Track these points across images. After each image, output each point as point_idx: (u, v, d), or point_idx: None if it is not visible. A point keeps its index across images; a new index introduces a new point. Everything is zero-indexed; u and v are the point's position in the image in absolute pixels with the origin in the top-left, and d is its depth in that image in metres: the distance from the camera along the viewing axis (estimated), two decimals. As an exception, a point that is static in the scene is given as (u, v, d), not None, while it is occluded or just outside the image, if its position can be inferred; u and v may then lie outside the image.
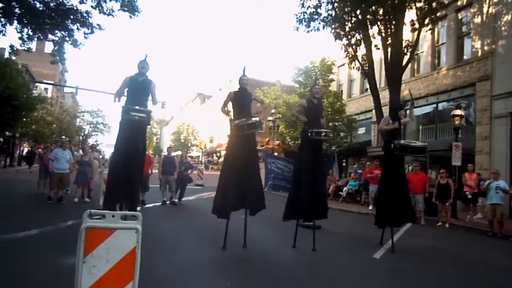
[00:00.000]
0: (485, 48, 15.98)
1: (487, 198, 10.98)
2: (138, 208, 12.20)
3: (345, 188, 17.48)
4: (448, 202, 11.81)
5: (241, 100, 6.77)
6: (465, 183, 12.74)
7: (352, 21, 16.66)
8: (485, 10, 16.19)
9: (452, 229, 11.51)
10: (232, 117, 6.75)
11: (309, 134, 6.96)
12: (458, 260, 7.44)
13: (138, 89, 6.25)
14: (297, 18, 17.04)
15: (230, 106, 6.94)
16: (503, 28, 15.38)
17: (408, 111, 8.25)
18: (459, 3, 17.70)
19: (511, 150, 14.38)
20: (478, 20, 16.63)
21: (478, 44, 16.47)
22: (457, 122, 13.98)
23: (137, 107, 5.92)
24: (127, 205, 6.19)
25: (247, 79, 6.92)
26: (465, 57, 17.50)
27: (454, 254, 8.07)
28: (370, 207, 14.68)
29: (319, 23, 17.13)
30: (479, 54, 16.27)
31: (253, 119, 6.52)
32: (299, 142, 9.41)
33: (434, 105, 18.67)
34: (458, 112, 14.07)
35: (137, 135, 6.16)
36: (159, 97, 6.73)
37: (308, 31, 17.22)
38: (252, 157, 6.93)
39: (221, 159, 47.30)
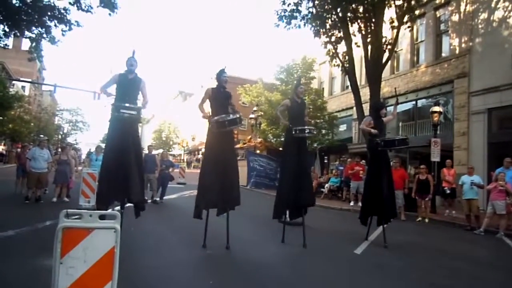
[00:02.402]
0: (463, 45, 16.27)
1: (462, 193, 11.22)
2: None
3: (327, 185, 17.60)
4: (427, 198, 12.03)
5: (219, 98, 6.69)
6: (444, 178, 12.95)
7: (333, 19, 16.77)
8: (462, 8, 16.48)
9: (431, 224, 11.73)
10: (210, 114, 6.65)
11: (293, 132, 7.01)
12: (439, 254, 7.56)
13: (127, 87, 6.22)
14: (277, 14, 17.06)
15: (207, 103, 6.86)
16: (480, 26, 15.68)
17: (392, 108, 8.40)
18: (437, 1, 17.99)
19: (488, 146, 14.70)
20: (455, 18, 16.92)
21: (456, 42, 16.76)
22: (435, 119, 14.22)
23: (126, 105, 5.88)
24: (133, 203, 6.09)
25: (226, 76, 6.84)
26: (443, 54, 17.79)
27: (434, 248, 8.21)
28: (351, 203, 14.83)
29: (300, 21, 17.20)
30: (457, 51, 16.56)
31: (234, 115, 6.43)
32: (283, 140, 9.45)
33: (414, 102, 18.95)
34: (436, 108, 14.31)
35: (128, 132, 6.11)
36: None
37: (289, 28, 17.28)
38: (231, 155, 6.88)
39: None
